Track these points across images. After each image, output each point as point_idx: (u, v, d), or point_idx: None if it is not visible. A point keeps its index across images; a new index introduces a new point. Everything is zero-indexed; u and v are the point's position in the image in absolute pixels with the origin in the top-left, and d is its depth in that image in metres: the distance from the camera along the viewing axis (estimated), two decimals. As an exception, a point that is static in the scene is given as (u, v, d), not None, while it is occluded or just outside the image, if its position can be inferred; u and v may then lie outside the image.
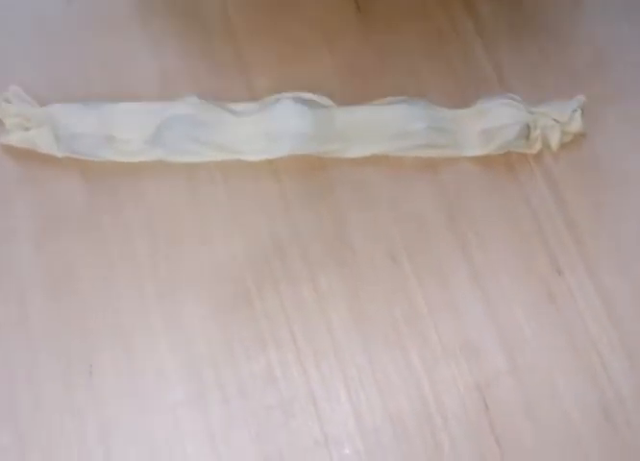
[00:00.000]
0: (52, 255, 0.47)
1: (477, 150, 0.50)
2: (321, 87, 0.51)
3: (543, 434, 0.43)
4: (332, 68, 0.53)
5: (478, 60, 0.53)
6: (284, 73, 0.52)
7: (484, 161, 0.50)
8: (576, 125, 0.50)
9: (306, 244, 0.48)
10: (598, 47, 0.54)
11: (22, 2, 0.53)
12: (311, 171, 0.50)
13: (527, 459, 0.42)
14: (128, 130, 0.49)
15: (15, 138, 0.49)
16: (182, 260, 0.47)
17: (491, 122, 0.50)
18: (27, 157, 0.49)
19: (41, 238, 0.47)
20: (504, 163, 0.50)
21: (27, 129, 0.49)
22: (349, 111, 0.50)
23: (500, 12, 0.55)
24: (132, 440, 0.43)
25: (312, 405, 0.44)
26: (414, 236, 0.48)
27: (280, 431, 0.43)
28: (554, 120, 0.49)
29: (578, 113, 0.50)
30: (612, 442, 0.43)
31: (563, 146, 0.50)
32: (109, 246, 0.47)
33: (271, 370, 0.44)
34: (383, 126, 0.50)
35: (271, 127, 0.49)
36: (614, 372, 0.45)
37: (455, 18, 0.55)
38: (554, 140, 0.50)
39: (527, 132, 0.49)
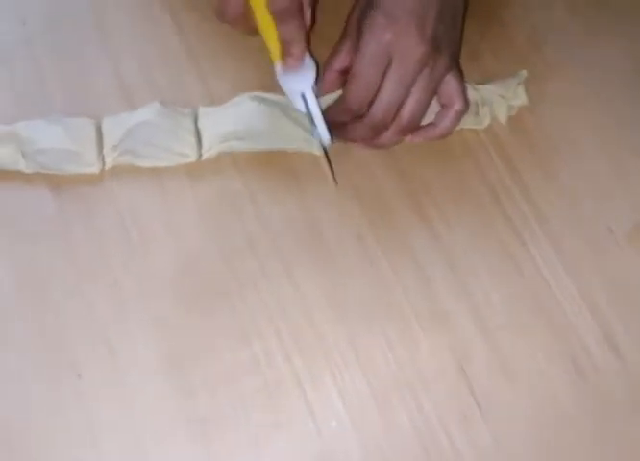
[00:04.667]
0: (27, 271, 0.47)
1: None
2: (277, 88, 0.53)
3: (519, 391, 0.45)
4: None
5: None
6: (241, 75, 0.54)
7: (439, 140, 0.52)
8: (520, 98, 0.52)
9: (276, 236, 0.49)
10: (534, 28, 0.57)
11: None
12: (275, 166, 0.51)
13: (505, 414, 0.44)
14: (93, 142, 0.50)
15: (-17, 160, 0.50)
16: (156, 263, 0.48)
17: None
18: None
19: (15, 255, 0.48)
20: (458, 140, 0.52)
21: (-7, 149, 0.50)
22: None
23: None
24: (120, 438, 0.43)
25: (298, 390, 0.45)
26: (380, 218, 0.50)
27: (267, 415, 0.44)
28: (500, 96, 0.52)
29: (521, 87, 0.52)
30: (583, 390, 0.45)
31: (511, 119, 0.53)
32: (82, 255, 0.48)
33: (256, 361, 0.45)
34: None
35: (233, 126, 0.50)
36: (579, 325, 0.47)
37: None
38: (502, 114, 0.52)
39: (475, 109, 0.52)
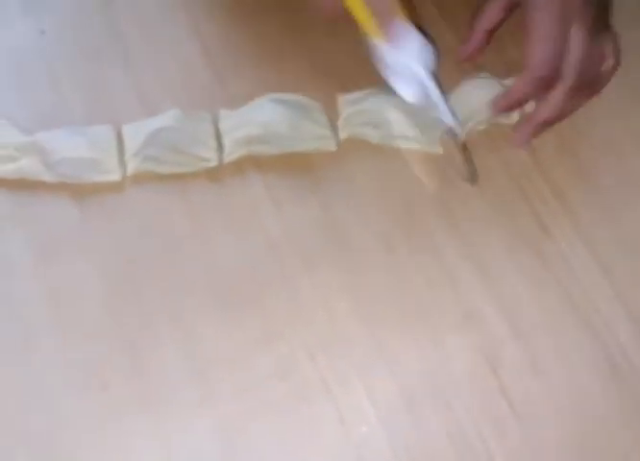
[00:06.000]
0: (52, 281, 0.47)
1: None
2: (296, 87, 0.52)
3: (552, 391, 0.44)
4: (305, 68, 0.54)
5: (445, 45, 0.54)
6: (259, 77, 0.54)
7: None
8: None
9: (299, 239, 0.49)
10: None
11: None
12: (296, 167, 0.51)
13: (539, 417, 0.43)
14: (114, 149, 0.50)
15: (5, 170, 0.50)
16: (182, 267, 0.48)
17: (470, 103, 0.51)
18: (18, 186, 0.50)
19: (39, 265, 0.48)
20: (484, 137, 0.51)
21: (16, 159, 0.50)
22: (328, 108, 0.52)
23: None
24: (150, 448, 0.43)
25: (325, 392, 0.44)
26: (404, 218, 0.49)
27: (296, 420, 0.44)
28: None
29: None
30: (619, 390, 0.44)
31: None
32: (108, 264, 0.48)
33: (281, 363, 0.45)
34: (361, 113, 0.51)
35: (254, 129, 0.50)
36: (613, 323, 0.45)
37: (419, 5, 0.56)
38: (531, 108, 0.51)
39: None
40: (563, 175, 0.50)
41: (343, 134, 0.51)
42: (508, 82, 0.51)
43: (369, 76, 0.53)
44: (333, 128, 0.52)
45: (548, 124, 0.48)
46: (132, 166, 0.50)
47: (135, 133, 0.50)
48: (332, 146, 0.51)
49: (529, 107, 0.50)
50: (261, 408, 0.44)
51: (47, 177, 0.50)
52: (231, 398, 0.44)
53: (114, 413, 0.44)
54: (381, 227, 0.49)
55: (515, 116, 0.51)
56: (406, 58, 0.45)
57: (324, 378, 0.45)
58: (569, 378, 0.44)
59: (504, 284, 0.47)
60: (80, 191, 0.50)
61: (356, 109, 0.51)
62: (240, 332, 0.46)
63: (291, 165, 0.51)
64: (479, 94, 0.51)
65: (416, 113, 0.51)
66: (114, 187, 0.50)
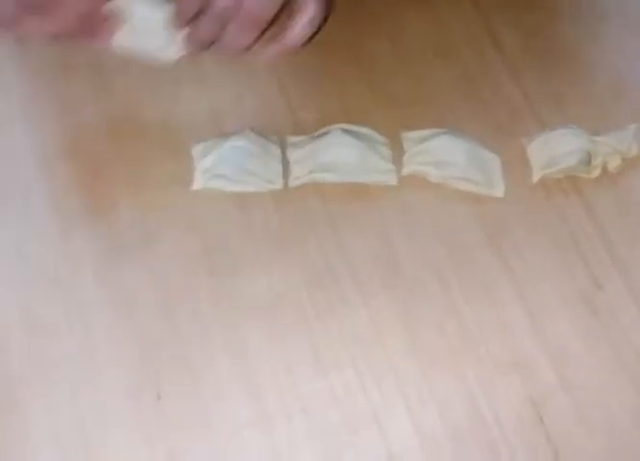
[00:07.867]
0: (114, 286, 0.48)
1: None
2: (363, 119, 0.54)
3: (598, 444, 0.45)
4: (368, 102, 0.56)
5: (507, 93, 0.56)
6: (327, 106, 0.55)
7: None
8: (634, 151, 0.53)
9: (356, 268, 0.49)
10: (615, 77, 0.57)
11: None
12: (357, 196, 0.52)
13: (585, 469, 0.44)
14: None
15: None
16: (241, 288, 0.49)
17: (554, 150, 0.52)
18: (87, 187, 0.51)
19: (103, 271, 0.49)
20: (541, 187, 0.52)
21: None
22: (394, 143, 0.53)
23: (524, 45, 0.58)
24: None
25: (375, 423, 0.45)
26: (459, 258, 0.50)
27: (344, 449, 0.44)
28: (613, 148, 0.52)
29: (635, 141, 0.53)
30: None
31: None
32: (169, 276, 0.49)
33: (333, 391, 0.46)
34: (425, 153, 0.52)
35: (321, 157, 0.51)
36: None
37: (482, 52, 0.58)
38: (613, 167, 0.52)
39: (588, 158, 0.52)
40: (617, 231, 0.51)
41: (405, 171, 0.52)
42: (599, 139, 0.52)
43: (430, 113, 0.55)
44: (395, 163, 0.53)
45: None
46: (199, 182, 0.51)
47: (207, 151, 0.51)
48: (393, 180, 0.52)
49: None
50: (310, 434, 0.45)
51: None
52: (282, 420, 0.45)
53: (166, 425, 0.44)
54: (439, 265, 0.50)
55: (597, 172, 0.52)
56: None
57: (374, 411, 0.45)
58: (613, 432, 0.45)
59: (555, 333, 0.48)
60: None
61: (420, 147, 0.53)
62: (295, 356, 0.47)
63: (352, 195, 0.52)
64: (563, 142, 0.52)
65: (478, 157, 0.52)
66: (181, 200, 0.51)
